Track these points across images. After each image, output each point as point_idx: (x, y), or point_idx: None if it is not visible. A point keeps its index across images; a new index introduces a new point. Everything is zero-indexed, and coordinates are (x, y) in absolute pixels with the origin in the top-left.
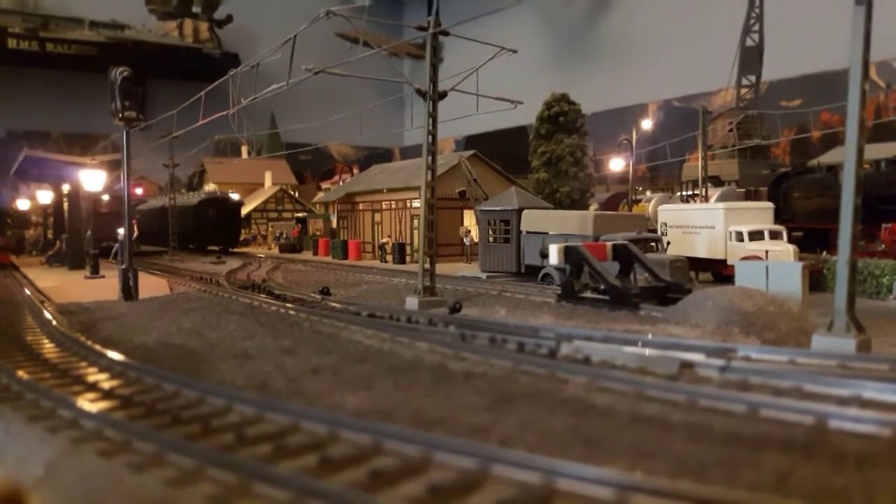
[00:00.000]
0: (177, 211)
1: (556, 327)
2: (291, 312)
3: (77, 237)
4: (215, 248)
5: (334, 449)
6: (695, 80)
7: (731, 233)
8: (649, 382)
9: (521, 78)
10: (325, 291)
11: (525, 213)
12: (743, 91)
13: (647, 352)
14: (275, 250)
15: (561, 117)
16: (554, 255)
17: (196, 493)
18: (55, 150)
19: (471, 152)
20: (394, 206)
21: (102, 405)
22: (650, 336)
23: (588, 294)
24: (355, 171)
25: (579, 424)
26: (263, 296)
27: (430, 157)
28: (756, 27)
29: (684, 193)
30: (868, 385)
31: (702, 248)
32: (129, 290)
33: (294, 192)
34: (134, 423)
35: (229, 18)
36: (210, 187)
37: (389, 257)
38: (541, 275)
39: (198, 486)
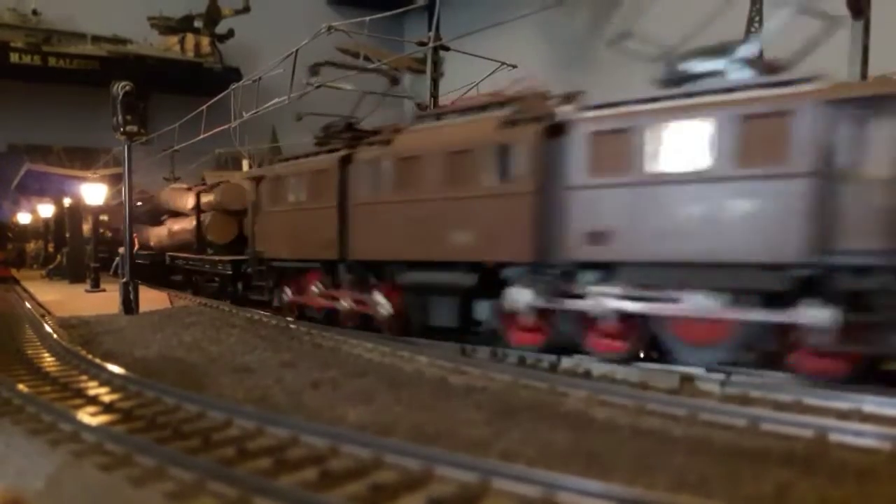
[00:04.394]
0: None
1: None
2: (292, 326)
3: (78, 251)
4: None
5: (335, 462)
6: None
7: None
8: (650, 396)
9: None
10: None
11: None
12: None
13: (648, 366)
14: None
15: None
16: None
17: None
18: (56, 163)
19: None
20: None
21: (103, 418)
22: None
23: None
24: None
25: (580, 438)
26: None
27: None
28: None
29: None
30: (868, 399)
31: None
32: (129, 304)
33: None
34: (134, 436)
35: (231, 33)
36: None
37: None
38: None
39: (198, 500)
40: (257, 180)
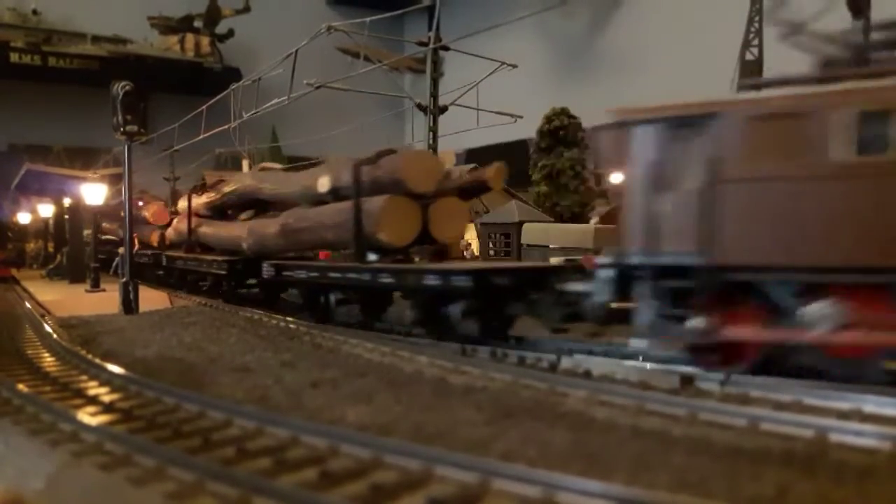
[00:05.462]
0: None
1: (556, 341)
2: (292, 326)
3: (78, 250)
4: None
5: (335, 462)
6: (695, 94)
7: None
8: (650, 396)
9: (521, 92)
10: None
11: (525, 226)
12: None
13: (648, 365)
14: None
15: (561, 131)
16: None
17: None
18: (56, 163)
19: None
20: None
21: (103, 418)
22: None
23: None
24: None
25: (580, 438)
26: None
27: None
28: (755, 41)
29: None
30: (868, 399)
31: None
32: (129, 304)
33: None
34: (134, 436)
35: (231, 33)
36: None
37: None
38: None
39: (198, 500)
40: (685, 123)
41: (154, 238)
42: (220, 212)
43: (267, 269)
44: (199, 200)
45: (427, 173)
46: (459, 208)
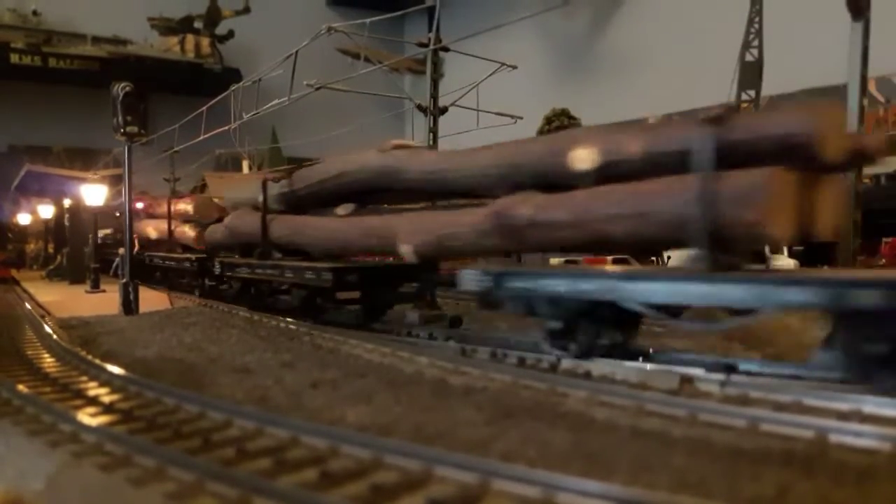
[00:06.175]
0: None
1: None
2: (292, 327)
3: (78, 251)
4: None
5: (335, 463)
6: (695, 95)
7: None
8: (650, 397)
9: (522, 93)
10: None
11: None
12: (743, 105)
13: (648, 366)
14: None
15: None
16: None
17: None
18: (56, 164)
19: None
20: None
21: (103, 419)
22: (650, 351)
23: None
24: None
25: (580, 439)
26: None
27: None
28: (755, 42)
29: None
30: (868, 400)
31: None
32: (129, 305)
33: None
34: (134, 437)
35: (231, 34)
36: None
37: None
38: None
39: (198, 500)
40: None
41: (195, 237)
42: (297, 206)
43: (474, 278)
44: (272, 191)
45: (838, 134)
46: (838, 187)
